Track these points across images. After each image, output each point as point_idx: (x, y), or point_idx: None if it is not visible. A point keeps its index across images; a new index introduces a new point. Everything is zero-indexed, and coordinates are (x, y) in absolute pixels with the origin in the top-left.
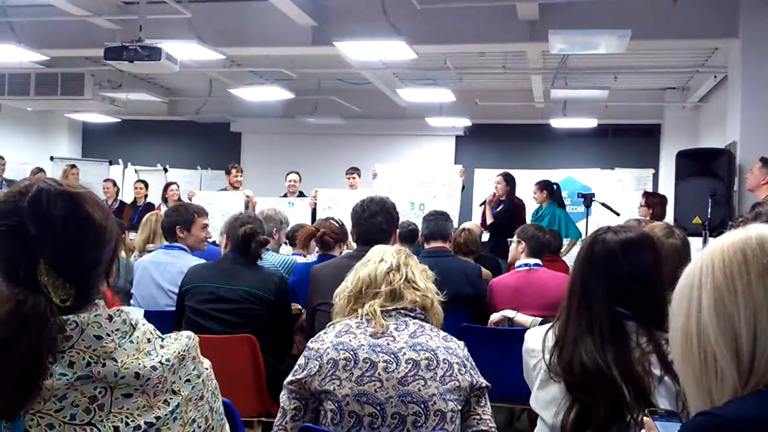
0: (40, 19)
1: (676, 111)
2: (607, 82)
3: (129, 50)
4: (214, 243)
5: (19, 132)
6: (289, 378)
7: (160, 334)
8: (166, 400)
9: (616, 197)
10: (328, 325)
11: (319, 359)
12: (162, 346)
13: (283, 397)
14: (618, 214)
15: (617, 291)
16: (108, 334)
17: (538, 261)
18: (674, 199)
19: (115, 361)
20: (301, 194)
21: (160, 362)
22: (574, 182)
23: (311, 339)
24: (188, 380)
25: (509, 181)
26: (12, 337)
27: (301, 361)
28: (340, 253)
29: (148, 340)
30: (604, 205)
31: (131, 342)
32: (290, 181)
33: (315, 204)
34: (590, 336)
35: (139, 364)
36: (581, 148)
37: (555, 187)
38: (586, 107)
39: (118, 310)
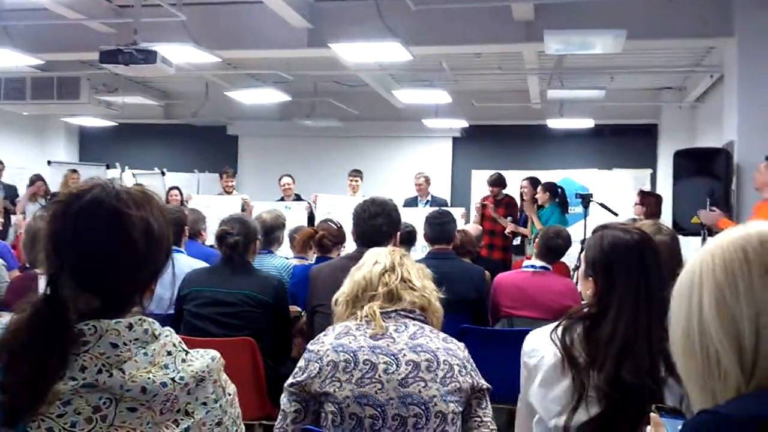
0: (35, 22)
1: (673, 111)
2: (604, 82)
3: (124, 53)
4: (211, 246)
5: (15, 137)
6: (290, 380)
7: (185, 348)
8: (176, 420)
9: (614, 197)
10: (328, 327)
11: (319, 361)
12: (184, 361)
13: (284, 399)
14: (616, 215)
15: (643, 296)
16: (125, 343)
17: (546, 264)
18: (672, 199)
19: (123, 372)
20: (298, 197)
21: (173, 379)
22: (572, 183)
23: (311, 341)
24: (204, 403)
25: (535, 184)
26: (24, 345)
27: (301, 363)
28: (338, 255)
29: (169, 353)
30: (602, 205)
31: (145, 354)
32: (284, 185)
33: (313, 208)
34: (631, 347)
35: (149, 378)
36: (579, 149)
37: (559, 190)
38: (583, 107)
39: (140, 319)
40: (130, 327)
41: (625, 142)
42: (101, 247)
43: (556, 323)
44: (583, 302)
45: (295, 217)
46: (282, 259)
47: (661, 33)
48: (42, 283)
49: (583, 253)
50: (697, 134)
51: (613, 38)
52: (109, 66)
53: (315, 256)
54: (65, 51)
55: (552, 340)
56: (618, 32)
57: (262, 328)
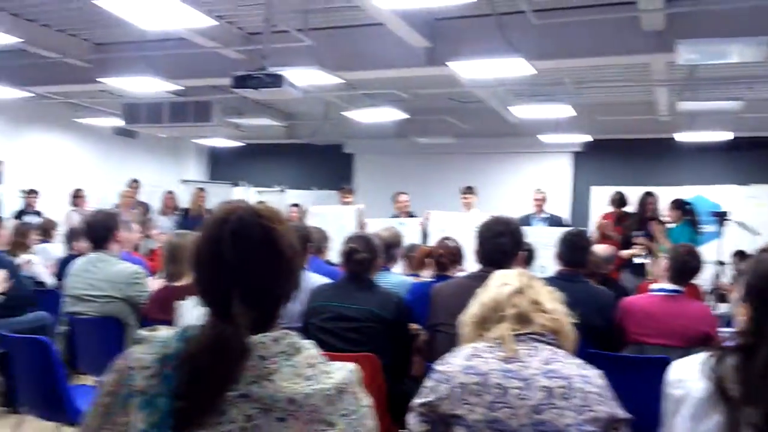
0: (173, 51)
1: None
2: (741, 93)
3: (254, 78)
4: (327, 261)
5: (152, 157)
6: (418, 400)
7: (325, 360)
8: (319, 430)
9: (752, 215)
10: (454, 348)
11: (447, 382)
12: (324, 373)
13: (412, 419)
14: (758, 234)
15: None
16: (272, 356)
17: (679, 288)
18: None
19: (273, 383)
20: (410, 214)
21: (317, 390)
22: (704, 200)
23: (437, 362)
24: (344, 414)
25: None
26: (208, 366)
27: (428, 383)
28: (455, 274)
29: (311, 365)
30: (740, 224)
31: (291, 366)
32: (402, 201)
33: (426, 225)
34: None
35: (295, 389)
36: (710, 163)
37: (688, 206)
38: (718, 119)
39: (284, 333)
40: (276, 340)
41: (763, 155)
42: (261, 264)
43: (708, 353)
44: (722, 330)
45: (408, 233)
46: (399, 276)
47: None
48: (192, 300)
49: (742, 277)
50: None
51: (753, 46)
52: (240, 91)
53: (431, 273)
54: (200, 77)
55: (702, 372)
56: (759, 40)
57: (382, 344)
